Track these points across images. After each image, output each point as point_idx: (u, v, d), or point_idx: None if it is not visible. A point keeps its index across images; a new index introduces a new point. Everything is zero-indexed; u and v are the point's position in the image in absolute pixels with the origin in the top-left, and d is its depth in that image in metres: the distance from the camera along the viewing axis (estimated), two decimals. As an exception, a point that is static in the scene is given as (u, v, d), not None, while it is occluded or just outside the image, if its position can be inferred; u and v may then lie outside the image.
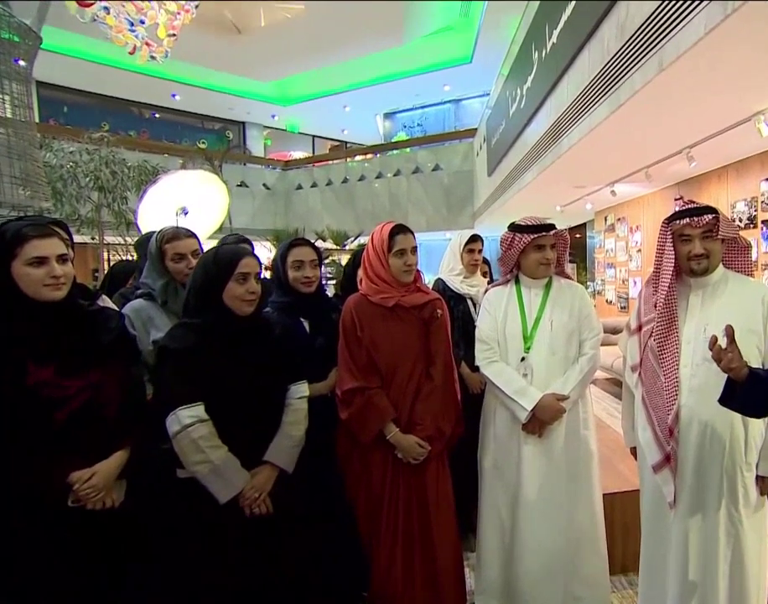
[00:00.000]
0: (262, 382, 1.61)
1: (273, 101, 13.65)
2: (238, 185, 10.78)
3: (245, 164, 12.40)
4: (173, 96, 12.60)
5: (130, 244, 5.74)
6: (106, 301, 1.92)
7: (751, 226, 4.50)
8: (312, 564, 1.63)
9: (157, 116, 13.65)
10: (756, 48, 2.36)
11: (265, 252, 5.63)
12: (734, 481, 1.61)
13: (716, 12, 2.11)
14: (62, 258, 1.42)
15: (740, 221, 4.62)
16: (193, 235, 2.01)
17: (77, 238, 6.17)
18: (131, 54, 5.55)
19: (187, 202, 3.13)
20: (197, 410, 1.50)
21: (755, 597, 1.63)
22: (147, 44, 5.52)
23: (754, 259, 4.40)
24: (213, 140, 14.22)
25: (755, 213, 4.48)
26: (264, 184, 11.57)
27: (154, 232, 2.02)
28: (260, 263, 1.67)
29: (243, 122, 14.72)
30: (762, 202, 4.37)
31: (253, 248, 1.97)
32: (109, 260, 6.81)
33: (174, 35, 5.55)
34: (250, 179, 11.41)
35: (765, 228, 4.35)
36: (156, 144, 11.24)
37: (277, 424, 1.65)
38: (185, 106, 13.33)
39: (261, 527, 1.55)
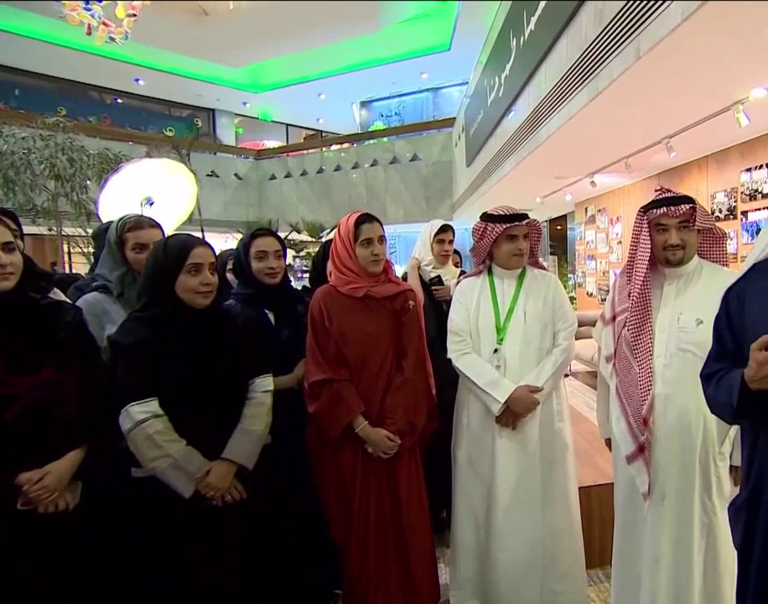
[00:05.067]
0: (223, 375, 1.58)
1: (244, 88, 13.46)
2: (208, 175, 10.63)
3: (215, 153, 12.22)
4: (137, 80, 12.33)
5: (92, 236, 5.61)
6: (58, 294, 1.87)
7: (731, 216, 4.60)
8: (283, 562, 1.63)
9: (119, 101, 13.33)
10: (733, 36, 2.40)
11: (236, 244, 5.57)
12: (708, 471, 1.65)
13: (691, -1, 2.15)
14: (8, 247, 1.37)
15: (720, 211, 4.73)
16: (157, 225, 1.96)
17: (32, 229, 6.00)
18: (87, 34, 5.40)
19: (152, 192, 3.06)
20: (151, 405, 1.48)
21: (729, 587, 1.66)
22: (104, 24, 5.38)
23: (733, 251, 4.52)
24: (181, 128, 13.97)
25: (734, 204, 4.58)
26: (236, 174, 11.43)
27: (112, 222, 1.97)
28: (214, 253, 1.64)
29: (213, 110, 14.49)
30: (742, 193, 4.48)
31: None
32: (69, 252, 6.63)
33: (134, 15, 5.43)
34: (221, 168, 11.26)
35: (744, 219, 4.46)
36: (119, 131, 10.96)
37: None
38: (150, 92, 13.05)
39: (228, 524, 1.54)
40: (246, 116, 15.03)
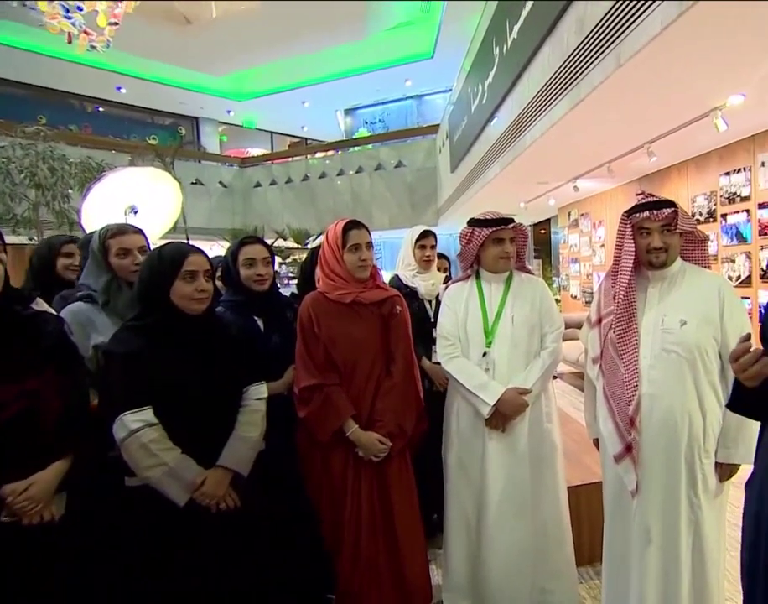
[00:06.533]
0: (217, 383, 1.59)
1: (228, 96, 13.44)
2: (192, 183, 10.58)
3: (199, 161, 12.16)
4: (119, 88, 12.23)
5: (74, 245, 5.52)
6: (41, 304, 1.84)
7: (711, 219, 4.70)
8: (274, 567, 1.62)
9: (101, 109, 13.20)
10: (711, 45, 2.47)
11: (222, 251, 5.55)
12: (694, 468, 1.68)
13: (671, 9, 2.20)
14: None
15: (700, 214, 4.82)
16: (140, 231, 1.96)
17: (13, 239, 5.90)
18: (68, 43, 5.35)
19: (136, 201, 3.05)
20: (145, 414, 1.48)
21: (715, 582, 1.71)
22: (85, 32, 5.34)
23: (713, 253, 4.61)
24: (164, 136, 13.88)
25: (714, 207, 4.68)
26: (221, 182, 11.39)
27: (96, 231, 1.96)
28: (209, 260, 1.65)
29: (196, 118, 14.44)
30: (721, 196, 4.58)
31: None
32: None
33: (116, 24, 5.39)
34: (205, 176, 11.21)
35: (724, 222, 4.55)
36: (101, 140, 10.83)
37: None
38: (132, 100, 12.96)
39: (220, 530, 1.54)
40: (230, 124, 15.01)
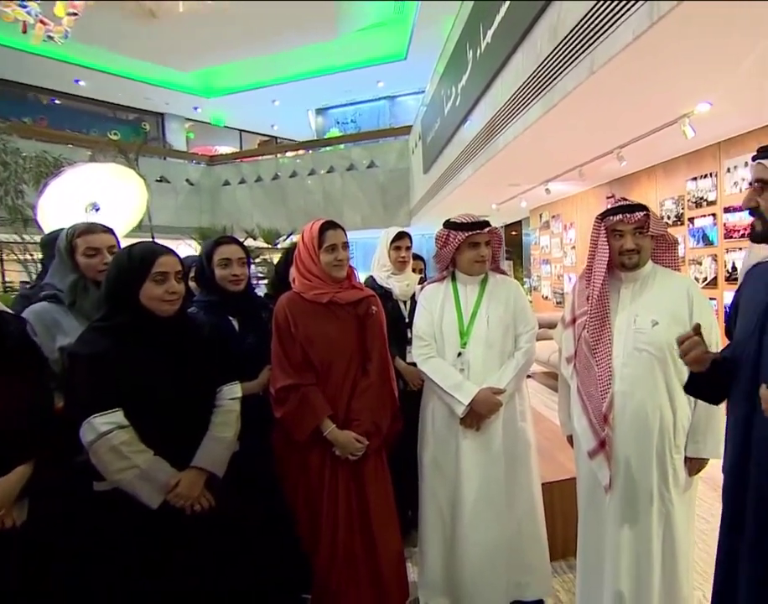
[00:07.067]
0: (190, 383, 1.58)
1: (195, 93, 13.24)
2: (158, 180, 10.39)
3: (165, 158, 11.94)
4: (77, 81, 11.89)
5: (29, 242, 5.33)
6: None
7: (678, 223, 4.89)
8: (249, 568, 1.62)
9: (57, 102, 12.80)
10: (681, 55, 2.58)
11: (190, 250, 5.44)
12: (665, 463, 1.76)
13: (643, 19, 2.29)
14: None
15: (668, 218, 5.01)
16: (109, 230, 1.93)
17: (-37, 236, 5.64)
18: (23, 32, 5.18)
19: (98, 198, 2.98)
20: (115, 417, 1.46)
21: (684, 571, 1.79)
22: (42, 22, 5.18)
23: (681, 255, 4.79)
24: (127, 131, 13.57)
25: (681, 211, 4.87)
26: (187, 180, 11.22)
27: (63, 230, 1.91)
28: (181, 261, 1.63)
29: (162, 114, 14.17)
30: (688, 201, 4.76)
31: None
32: (2, 259, 6.30)
33: (75, 14, 5.25)
34: (171, 174, 11.02)
35: (691, 225, 4.74)
36: (57, 133, 10.50)
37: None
38: (93, 94, 12.61)
39: (195, 532, 1.53)
40: (197, 121, 14.78)
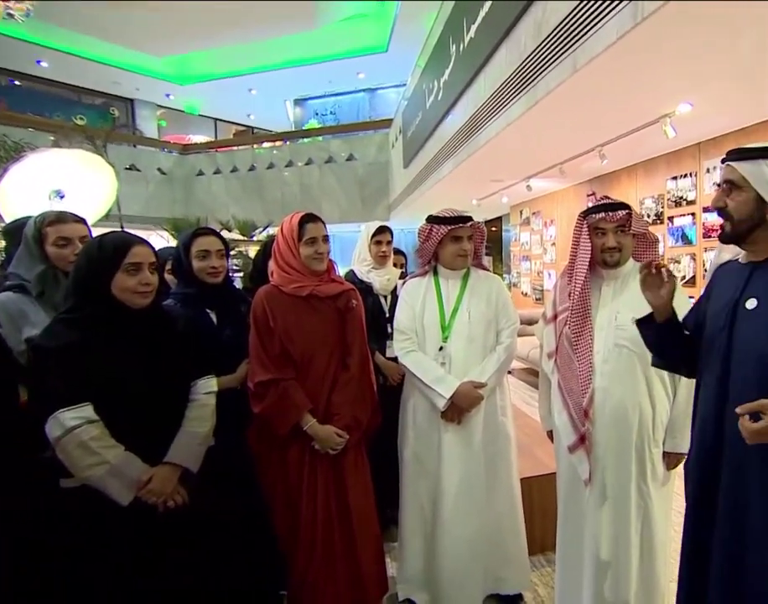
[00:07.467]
0: (163, 377, 1.56)
1: (168, 79, 12.99)
2: (127, 169, 10.17)
3: (135, 146, 11.69)
4: (39, 62, 11.53)
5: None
6: None
7: (658, 221, 5.01)
8: (225, 567, 1.61)
9: (17, 83, 12.39)
10: (664, 55, 2.64)
11: (162, 241, 5.35)
12: (643, 457, 1.81)
13: (627, 20, 2.34)
14: None
15: (648, 216, 5.13)
16: (81, 220, 1.91)
17: None
18: (-21, 9, 5.02)
19: (62, 184, 2.91)
20: (84, 411, 1.43)
21: (662, 564, 1.85)
22: (0, -1, 5.02)
23: (660, 253, 4.90)
24: (94, 116, 13.19)
25: (661, 210, 5.00)
26: (159, 169, 11.01)
27: (29, 218, 1.88)
28: (155, 252, 1.61)
29: (131, 99, 13.88)
30: (668, 199, 4.89)
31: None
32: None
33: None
34: (142, 162, 10.81)
35: (670, 224, 4.87)
36: (18, 116, 10.10)
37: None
38: (56, 76, 12.22)
39: (169, 529, 1.51)
40: (169, 108, 14.53)
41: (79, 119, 12.10)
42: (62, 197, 2.86)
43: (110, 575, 1.44)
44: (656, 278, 1.47)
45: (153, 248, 1.60)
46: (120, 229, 2.32)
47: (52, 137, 7.64)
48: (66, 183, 2.94)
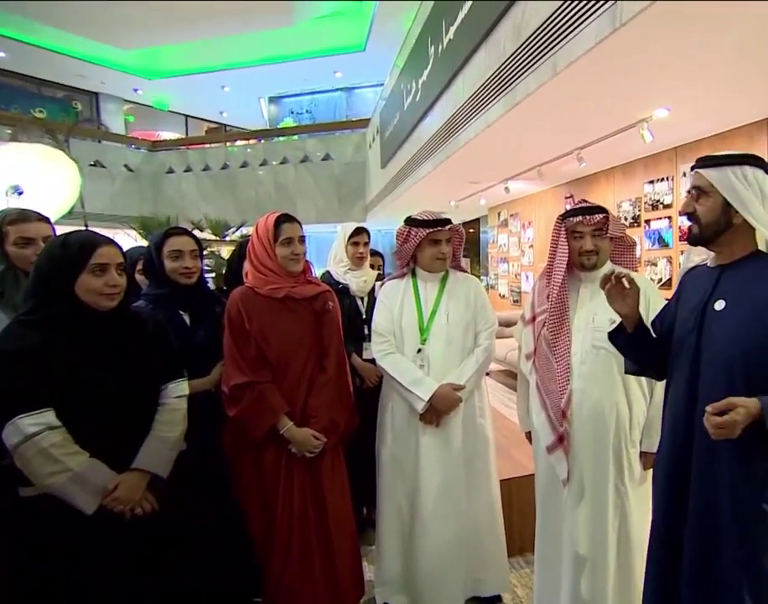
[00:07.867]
0: (130, 380, 1.53)
1: (136, 73, 12.76)
2: (92, 165, 9.96)
3: (100, 142, 11.44)
4: (-6, 52, 11.22)
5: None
6: None
7: (635, 224, 5.14)
8: (198, 573, 1.59)
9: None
10: (642, 61, 2.72)
11: (129, 240, 5.25)
12: (621, 457, 1.86)
13: (605, 25, 2.40)
14: None
15: (626, 219, 5.26)
16: (45, 219, 1.88)
17: None
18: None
19: (21, 180, 2.85)
20: (45, 417, 1.38)
21: (639, 562, 1.86)
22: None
23: (638, 256, 5.02)
24: (55, 110, 12.80)
25: (638, 213, 5.13)
26: (126, 166, 10.81)
27: None
28: (122, 252, 1.58)
29: (96, 93, 13.57)
30: (645, 203, 5.02)
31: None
32: None
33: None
34: (107, 158, 10.60)
35: (647, 227, 5.00)
36: (-30, 108, 9.88)
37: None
38: (14, 66, 11.85)
39: (138, 535, 1.49)
40: (137, 103, 14.27)
41: (38, 112, 11.76)
42: (20, 193, 2.81)
43: (73, 581, 1.41)
44: (618, 287, 1.52)
45: (120, 248, 1.57)
46: (85, 228, 2.28)
47: (9, 131, 7.42)
48: (25, 178, 2.88)
